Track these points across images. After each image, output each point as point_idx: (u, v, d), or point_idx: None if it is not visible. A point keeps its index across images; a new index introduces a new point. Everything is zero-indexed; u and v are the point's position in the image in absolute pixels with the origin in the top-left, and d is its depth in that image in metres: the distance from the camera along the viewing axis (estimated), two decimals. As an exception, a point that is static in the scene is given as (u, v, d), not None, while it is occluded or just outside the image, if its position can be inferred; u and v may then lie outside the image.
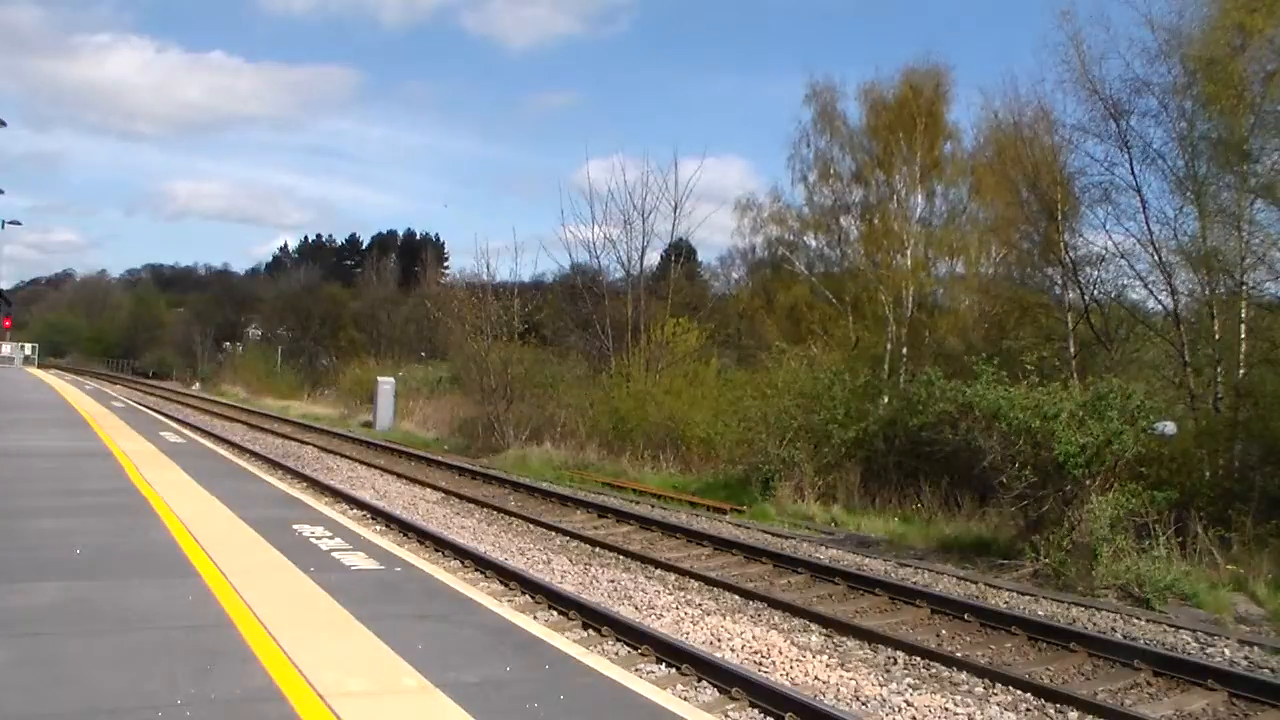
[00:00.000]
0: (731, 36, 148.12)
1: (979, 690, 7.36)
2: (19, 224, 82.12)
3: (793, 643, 8.27)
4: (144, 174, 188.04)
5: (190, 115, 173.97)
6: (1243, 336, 15.96)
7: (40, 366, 60.61)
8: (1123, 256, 17.95)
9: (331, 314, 60.69)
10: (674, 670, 7.19)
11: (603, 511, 15.21)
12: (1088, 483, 11.35)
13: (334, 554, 7.56)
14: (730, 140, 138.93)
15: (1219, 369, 15.93)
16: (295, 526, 8.68)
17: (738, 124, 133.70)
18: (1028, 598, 10.44)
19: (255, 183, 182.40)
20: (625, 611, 9.04)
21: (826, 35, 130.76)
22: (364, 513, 13.75)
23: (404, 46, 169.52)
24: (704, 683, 6.91)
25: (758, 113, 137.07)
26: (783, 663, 7.63)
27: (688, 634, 8.37)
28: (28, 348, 67.61)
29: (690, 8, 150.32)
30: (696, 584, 10.62)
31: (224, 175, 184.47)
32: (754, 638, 8.25)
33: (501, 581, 9.93)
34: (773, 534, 14.04)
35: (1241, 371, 15.89)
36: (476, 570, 10.46)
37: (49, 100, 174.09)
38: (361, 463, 20.88)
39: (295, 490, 13.08)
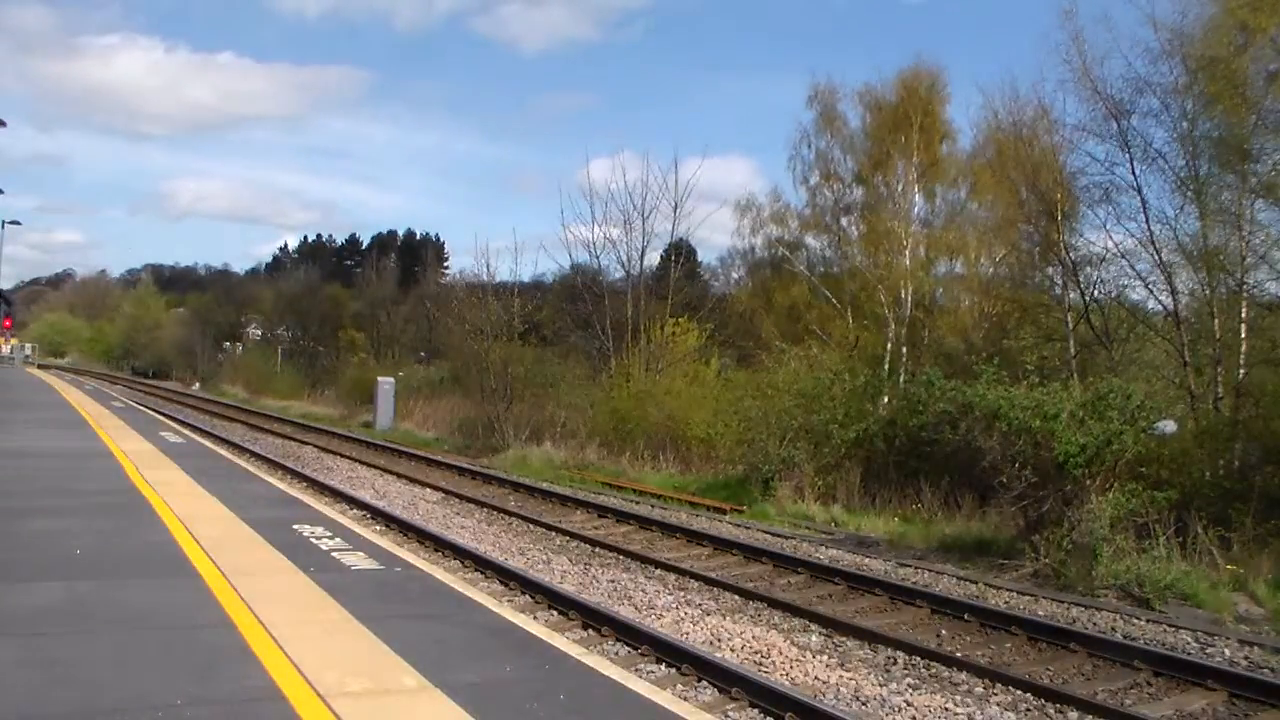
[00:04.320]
0: (740, 39, 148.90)
1: (979, 690, 7.35)
2: (19, 224, 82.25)
3: (793, 643, 8.27)
4: (149, 174, 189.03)
5: (197, 115, 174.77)
6: (1243, 336, 15.95)
7: (40, 367, 60.62)
8: (1123, 256, 17.97)
9: (331, 314, 60.63)
10: (674, 670, 7.18)
11: (602, 511, 15.20)
12: (1088, 483, 11.33)
13: (334, 554, 7.56)
14: (735, 140, 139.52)
15: (1219, 369, 15.93)
16: (295, 526, 8.68)
17: (743, 124, 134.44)
18: (1028, 598, 10.43)
19: (259, 183, 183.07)
20: (625, 611, 9.03)
21: (832, 37, 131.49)
22: (364, 513, 13.74)
23: (415, 48, 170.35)
24: (704, 683, 6.90)
25: (763, 114, 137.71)
26: (783, 663, 7.62)
27: (688, 634, 8.36)
28: (28, 348, 67.66)
29: (705, 12, 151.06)
30: (696, 584, 10.61)
31: (228, 175, 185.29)
32: (754, 638, 8.24)
33: (501, 582, 9.93)
34: (773, 534, 14.03)
35: (1242, 371, 15.88)
36: (476, 570, 10.45)
37: (55, 101, 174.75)
38: (361, 463, 20.87)
39: (295, 490, 13.09)
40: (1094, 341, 18.51)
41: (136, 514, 8.87)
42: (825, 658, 7.92)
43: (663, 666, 7.30)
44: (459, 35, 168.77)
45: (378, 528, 12.25)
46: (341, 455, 22.08)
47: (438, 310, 27.77)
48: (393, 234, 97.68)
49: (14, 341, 64.75)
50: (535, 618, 7.92)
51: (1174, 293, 16.93)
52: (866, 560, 12.31)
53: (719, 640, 8.21)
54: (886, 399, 20.83)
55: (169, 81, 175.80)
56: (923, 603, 9.87)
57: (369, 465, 20.45)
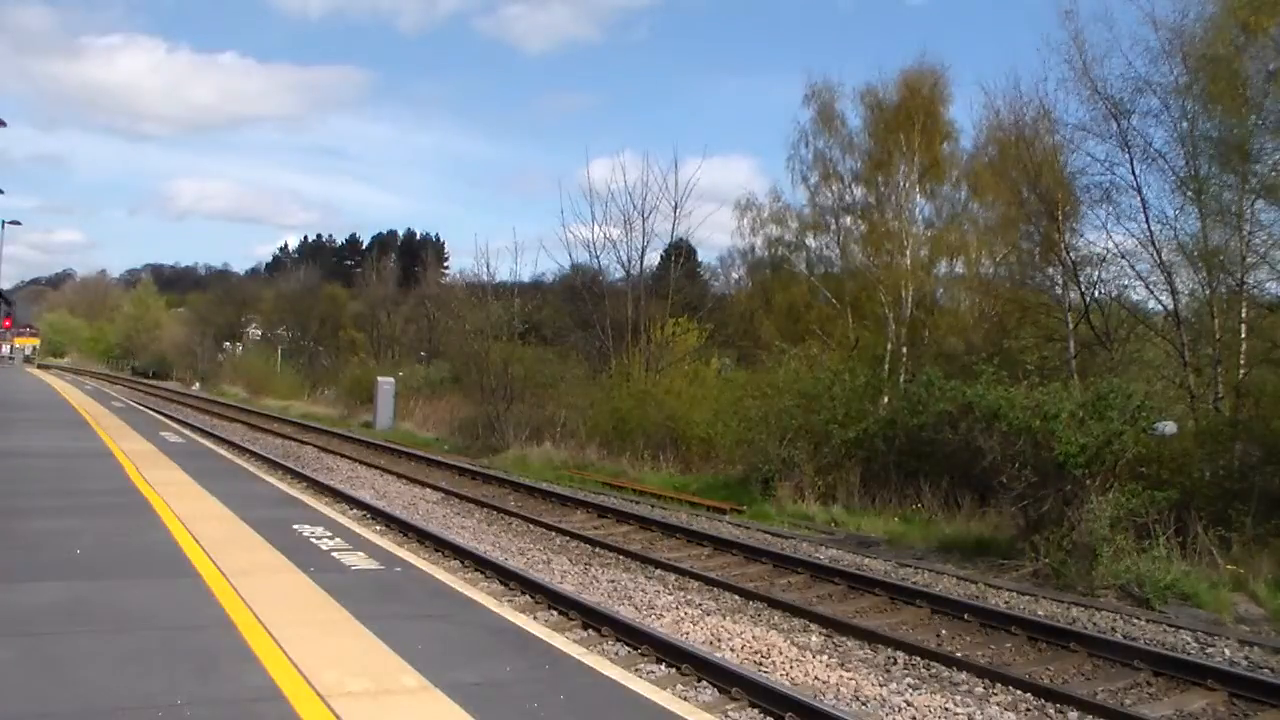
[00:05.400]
0: (741, 40, 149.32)
1: (979, 690, 7.36)
2: (19, 224, 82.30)
3: (793, 643, 8.27)
4: (149, 174, 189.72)
5: (198, 116, 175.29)
6: (1243, 336, 15.94)
7: (39, 366, 60.64)
8: (1123, 256, 17.93)
9: (331, 314, 60.64)
10: (674, 670, 7.18)
11: (603, 511, 15.20)
12: (1088, 483, 11.34)
13: (334, 554, 7.56)
14: (735, 140, 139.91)
15: (1219, 369, 15.91)
16: (295, 526, 8.69)
17: (743, 124, 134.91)
18: (1028, 598, 10.43)
19: (260, 183, 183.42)
20: (625, 611, 9.03)
21: (834, 37, 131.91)
22: (364, 513, 13.74)
23: (418, 48, 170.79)
24: (704, 683, 6.90)
25: (763, 114, 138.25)
26: (783, 663, 7.63)
27: (688, 634, 8.36)
28: (27, 347, 67.66)
29: (706, 12, 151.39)
30: (696, 584, 10.61)
31: (229, 175, 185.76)
32: (754, 638, 8.24)
33: (501, 582, 9.93)
34: (772, 534, 14.04)
35: (1242, 371, 15.86)
36: (476, 570, 10.45)
37: (56, 101, 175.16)
38: (361, 463, 20.87)
39: (295, 490, 13.09)
40: (1094, 341, 18.48)
41: (137, 514, 8.88)
42: (825, 658, 7.92)
43: (663, 666, 7.30)
44: (461, 36, 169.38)
45: (378, 528, 12.25)
46: (341, 455, 22.07)
47: (438, 310, 27.77)
48: (393, 234, 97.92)
49: (34, 341, 64.75)
50: (535, 618, 7.92)
51: (1174, 293, 16.91)
52: (866, 560, 12.31)
53: (719, 640, 8.21)
54: (886, 399, 20.81)
55: (170, 82, 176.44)
56: (923, 603, 9.87)
57: (369, 465, 20.45)
